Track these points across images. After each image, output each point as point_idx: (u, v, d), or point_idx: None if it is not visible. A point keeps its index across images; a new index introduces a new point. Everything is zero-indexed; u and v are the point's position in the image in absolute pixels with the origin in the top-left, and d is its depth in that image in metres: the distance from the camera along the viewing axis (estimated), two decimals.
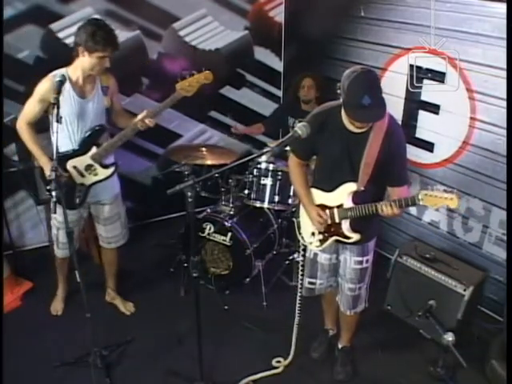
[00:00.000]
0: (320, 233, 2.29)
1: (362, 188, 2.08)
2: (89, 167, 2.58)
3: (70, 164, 2.54)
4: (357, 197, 2.12)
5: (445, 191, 1.78)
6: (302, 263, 2.52)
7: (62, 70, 2.41)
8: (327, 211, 2.22)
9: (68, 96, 2.40)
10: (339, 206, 2.18)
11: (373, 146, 2.02)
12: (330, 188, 2.20)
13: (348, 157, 2.08)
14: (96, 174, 2.60)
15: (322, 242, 2.31)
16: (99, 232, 2.89)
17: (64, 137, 2.47)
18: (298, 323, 2.67)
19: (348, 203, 2.14)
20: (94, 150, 2.56)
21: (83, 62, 2.38)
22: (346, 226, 2.20)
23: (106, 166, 2.63)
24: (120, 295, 3.14)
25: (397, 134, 2.07)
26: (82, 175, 2.59)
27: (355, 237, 2.20)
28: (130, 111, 3.70)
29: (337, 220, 2.20)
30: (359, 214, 2.10)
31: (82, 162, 2.56)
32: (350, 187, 2.12)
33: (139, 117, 2.57)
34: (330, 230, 2.25)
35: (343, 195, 2.15)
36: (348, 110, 1.95)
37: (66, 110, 2.39)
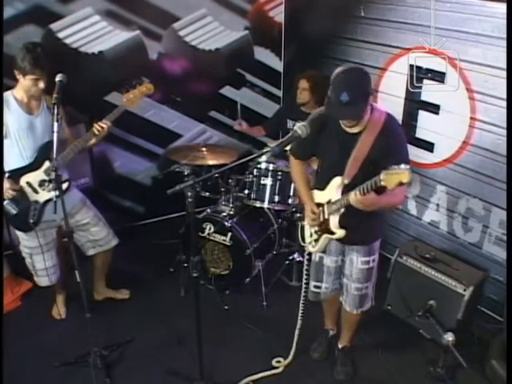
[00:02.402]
0: (315, 232, 2.32)
1: (346, 181, 2.07)
2: (43, 183, 2.55)
3: (23, 180, 2.52)
4: (346, 191, 2.10)
5: (400, 167, 1.74)
6: (306, 267, 2.52)
7: (8, 92, 2.45)
8: (320, 208, 2.25)
9: (16, 113, 2.43)
10: (329, 202, 2.21)
11: (364, 142, 2.03)
12: (323, 186, 2.24)
13: (345, 157, 2.09)
14: (50, 190, 2.53)
15: (316, 241, 2.33)
16: (87, 239, 2.83)
17: (15, 153, 2.48)
18: (299, 327, 2.66)
19: (336, 198, 2.16)
20: (46, 164, 2.53)
21: (22, 84, 2.41)
22: (333, 221, 2.20)
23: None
24: (110, 288, 3.18)
25: (393, 135, 2.05)
26: (36, 191, 2.56)
27: (339, 233, 2.19)
28: (130, 111, 3.75)
29: (326, 215, 2.22)
30: (339, 206, 2.10)
31: (35, 177, 2.54)
32: (337, 181, 2.14)
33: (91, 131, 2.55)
34: (321, 226, 2.28)
35: (332, 190, 2.17)
36: (327, 106, 1.97)
37: (14, 127, 2.43)
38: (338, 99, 1.88)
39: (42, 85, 2.39)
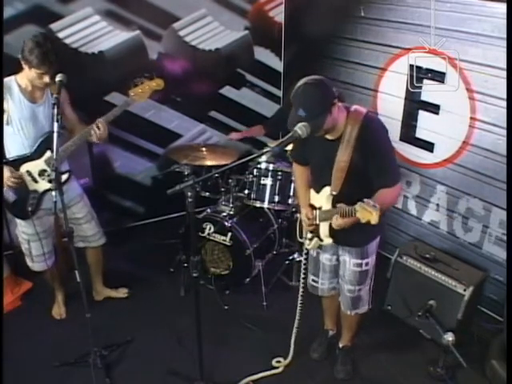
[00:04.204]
0: (310, 232, 2.35)
1: (334, 193, 2.10)
2: (42, 172, 2.55)
3: (23, 168, 2.52)
4: (336, 201, 2.12)
5: (373, 206, 1.79)
6: (305, 261, 2.53)
7: (11, 78, 2.44)
8: (314, 212, 2.28)
9: (18, 101, 2.43)
10: (320, 208, 2.24)
11: (344, 151, 2.03)
12: (317, 190, 2.26)
13: (328, 163, 2.10)
14: (50, 181, 2.53)
15: (310, 240, 2.37)
16: (78, 234, 2.80)
17: (16, 141, 2.49)
18: (297, 325, 2.67)
19: (326, 206, 2.18)
20: (48, 154, 2.53)
21: (26, 74, 2.40)
22: (323, 228, 2.25)
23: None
24: (108, 287, 3.19)
25: (372, 135, 2.02)
26: (36, 181, 2.56)
27: (326, 241, 2.26)
28: (130, 111, 3.75)
29: (317, 221, 2.26)
30: (327, 217, 2.14)
31: (35, 166, 2.54)
32: (326, 191, 2.17)
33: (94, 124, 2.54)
34: (314, 230, 2.31)
35: (323, 199, 2.20)
36: (289, 119, 1.97)
37: (16, 115, 2.43)
38: (296, 114, 1.92)
39: (47, 79, 2.38)
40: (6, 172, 2.44)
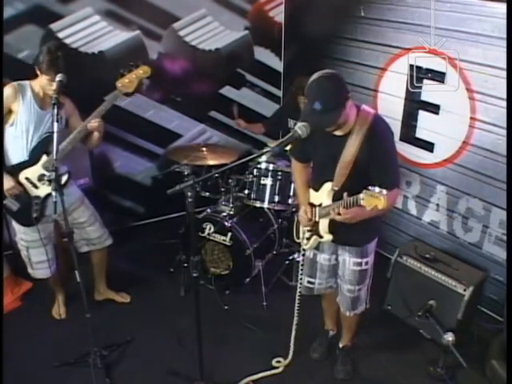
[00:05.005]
0: (308, 231, 2.35)
1: (336, 188, 2.11)
2: (42, 177, 2.54)
3: (22, 176, 2.53)
4: (337, 197, 2.12)
5: (379, 192, 1.78)
6: (302, 262, 2.53)
7: (27, 82, 2.48)
8: (313, 209, 2.28)
9: (28, 104, 2.45)
10: (320, 205, 2.24)
11: (351, 147, 2.03)
12: (317, 188, 2.26)
13: (333, 159, 2.10)
14: (49, 181, 2.47)
15: (308, 239, 2.37)
16: (81, 237, 2.82)
17: (18, 145, 2.49)
18: (296, 323, 2.68)
19: (327, 202, 2.18)
20: (44, 158, 2.53)
21: (40, 80, 2.45)
22: (322, 225, 2.25)
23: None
24: (111, 289, 3.18)
25: (379, 136, 2.04)
26: (36, 186, 2.56)
27: (326, 237, 2.26)
28: (130, 111, 3.76)
29: (316, 218, 2.26)
30: (327, 213, 2.14)
31: (34, 172, 2.54)
32: (327, 187, 2.17)
33: (87, 119, 2.54)
34: (312, 228, 2.31)
35: (324, 195, 2.20)
36: (303, 114, 1.98)
37: (24, 117, 2.44)
38: (311, 108, 1.90)
39: (54, 86, 2.38)
40: (6, 183, 2.45)
